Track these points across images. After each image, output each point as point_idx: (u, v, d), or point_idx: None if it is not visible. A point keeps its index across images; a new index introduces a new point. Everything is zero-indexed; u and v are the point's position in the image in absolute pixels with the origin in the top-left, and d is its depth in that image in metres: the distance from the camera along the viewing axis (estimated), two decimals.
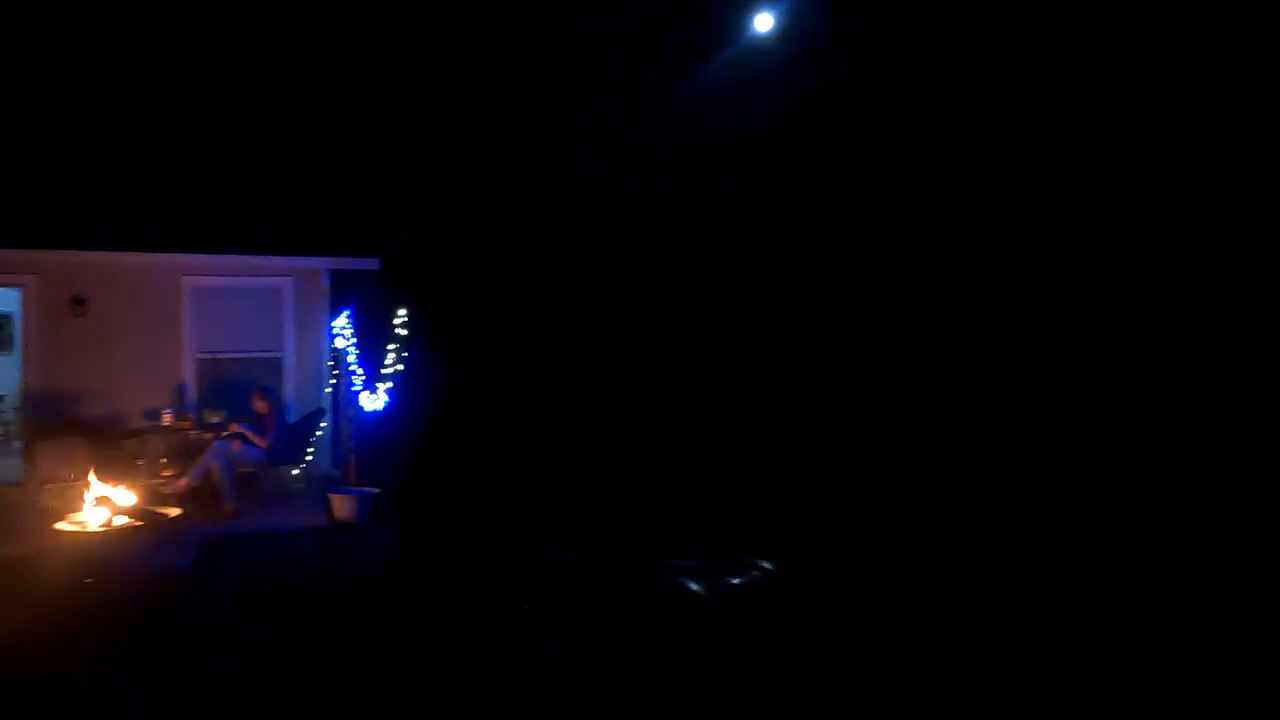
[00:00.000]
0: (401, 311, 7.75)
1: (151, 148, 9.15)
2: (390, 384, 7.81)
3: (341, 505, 7.36)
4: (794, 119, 6.60)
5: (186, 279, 8.89)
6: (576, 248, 8.12)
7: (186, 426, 8.34)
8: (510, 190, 8.72)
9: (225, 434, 7.88)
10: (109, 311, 8.61)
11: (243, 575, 5.89)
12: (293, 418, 8.85)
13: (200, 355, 8.99)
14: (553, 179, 8.37)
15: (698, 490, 6.76)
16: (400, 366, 7.77)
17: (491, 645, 4.53)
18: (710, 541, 5.98)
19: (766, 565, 5.17)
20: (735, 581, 4.92)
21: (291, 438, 8.33)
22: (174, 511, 6.77)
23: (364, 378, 8.14)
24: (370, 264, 9.24)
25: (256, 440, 7.86)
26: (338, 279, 9.30)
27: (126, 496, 6.57)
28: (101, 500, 6.42)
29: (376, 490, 7.55)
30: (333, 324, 9.02)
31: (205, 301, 9.02)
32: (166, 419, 8.27)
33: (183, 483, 7.53)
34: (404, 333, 7.77)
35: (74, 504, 6.82)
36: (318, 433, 8.71)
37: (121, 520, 6.27)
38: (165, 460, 8.16)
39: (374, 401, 7.95)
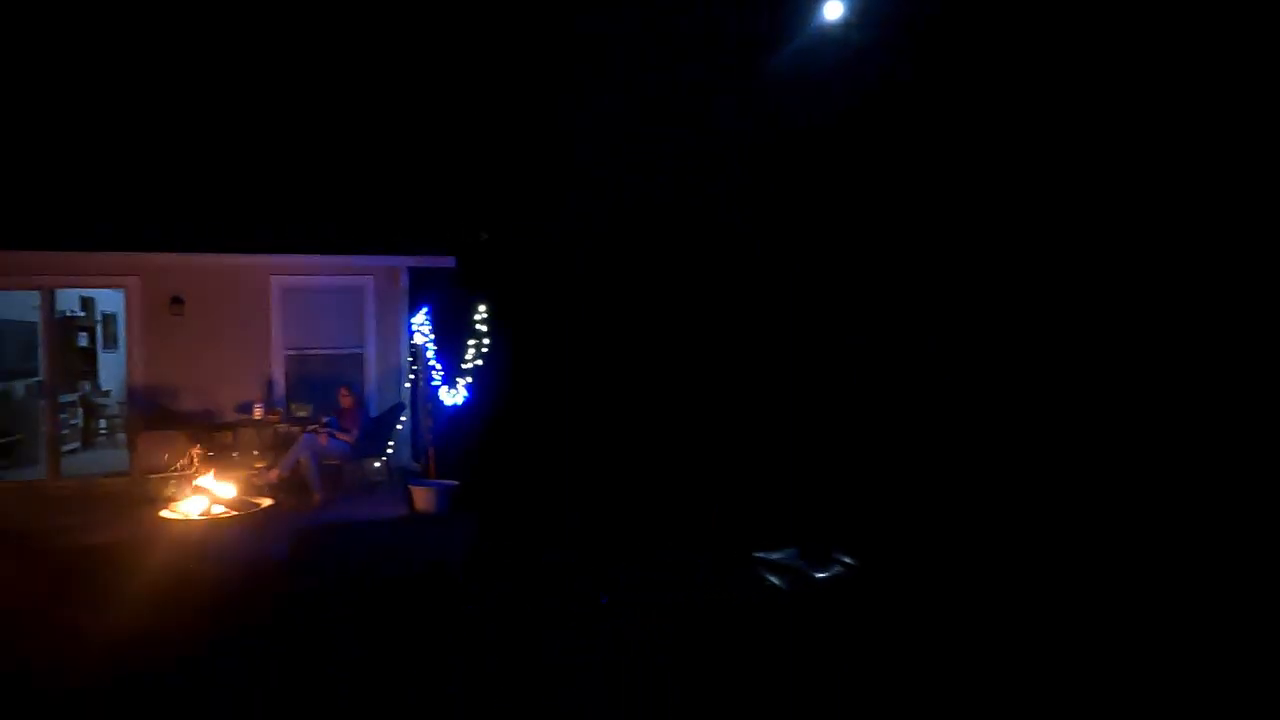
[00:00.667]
0: (481, 308, 7.90)
1: (245, 155, 9.60)
2: (469, 379, 7.98)
3: (422, 497, 7.56)
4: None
5: (275, 279, 9.26)
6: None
7: (276, 420, 8.69)
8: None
9: (312, 427, 8.18)
10: (204, 310, 9.04)
11: (336, 564, 6.11)
12: (374, 412, 9.14)
13: (288, 352, 9.35)
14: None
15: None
16: (479, 362, 7.93)
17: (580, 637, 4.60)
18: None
19: (849, 560, 5.11)
20: (821, 575, 4.88)
21: (374, 431, 8.60)
22: (266, 501, 7.06)
23: (443, 373, 8.33)
24: (446, 262, 9.46)
25: (342, 435, 8.14)
26: (416, 277, 9.56)
27: (224, 487, 6.91)
28: (201, 490, 6.77)
29: (455, 483, 7.73)
30: (411, 320, 9.28)
31: (292, 300, 9.38)
32: (258, 413, 8.63)
33: (274, 474, 7.85)
34: (483, 329, 7.92)
35: (176, 493, 7.21)
36: (398, 426, 8.96)
37: (219, 509, 6.59)
38: (257, 452, 8.52)
39: (453, 396, 8.14)
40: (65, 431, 9.72)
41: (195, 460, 6.97)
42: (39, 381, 9.60)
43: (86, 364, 11.23)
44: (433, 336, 8.64)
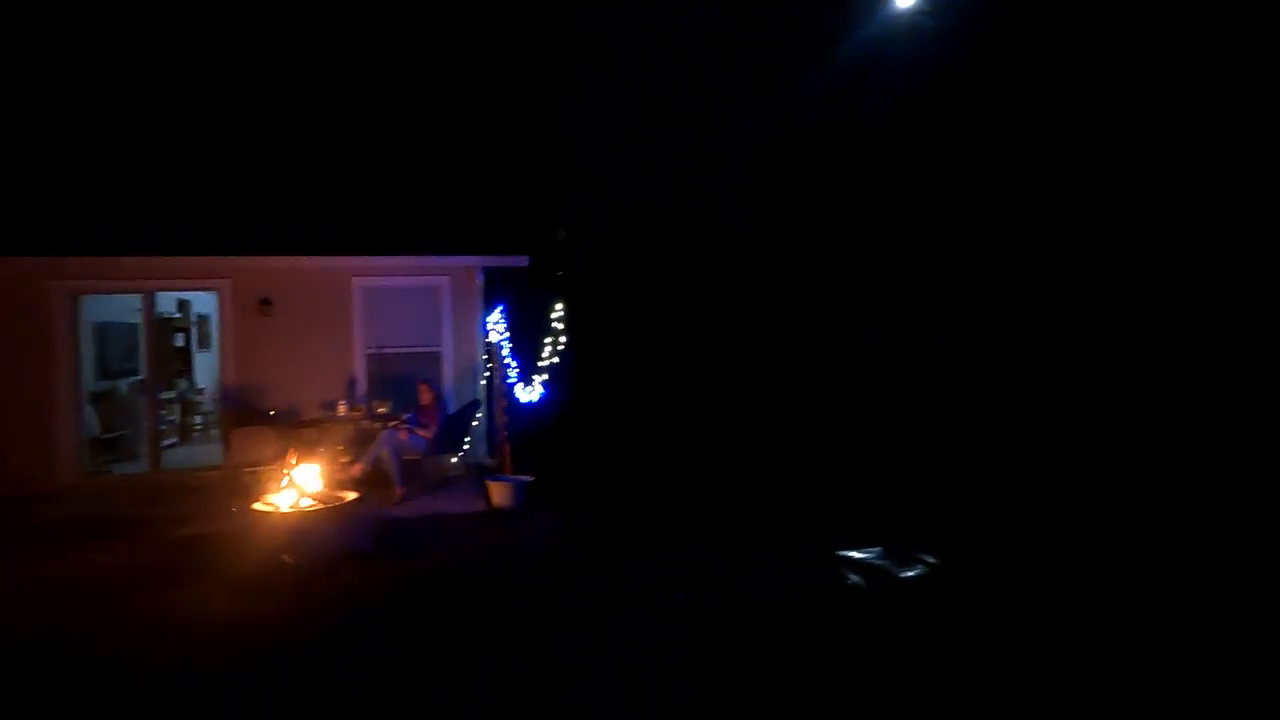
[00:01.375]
0: (558, 306, 8.01)
1: (330, 164, 9.96)
2: (546, 376, 8.08)
3: (499, 492, 7.69)
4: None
5: (356, 280, 9.56)
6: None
7: (358, 416, 8.96)
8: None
9: (392, 423, 8.41)
10: (291, 311, 9.40)
11: (421, 557, 6.27)
12: (451, 409, 9.34)
13: (368, 350, 9.65)
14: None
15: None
16: (556, 360, 8.03)
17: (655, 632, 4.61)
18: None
19: (931, 560, 4.99)
20: (904, 575, 4.80)
21: (452, 427, 8.79)
22: (350, 495, 7.28)
23: (518, 370, 8.46)
24: (520, 261, 9.61)
25: (421, 431, 8.35)
26: (490, 276, 9.74)
27: (311, 481, 7.15)
28: (290, 484, 7.02)
29: (531, 478, 7.84)
30: (486, 319, 9.46)
31: (373, 300, 9.67)
32: (341, 409, 8.92)
33: (357, 469, 8.09)
34: (559, 326, 8.02)
35: (267, 486, 7.50)
36: (474, 423, 9.14)
37: (307, 503, 6.83)
38: (341, 448, 8.80)
39: (529, 393, 8.25)
40: (164, 428, 10.25)
41: (290, 456, 7.23)
42: (140, 380, 10.14)
43: (183, 363, 11.82)
44: (507, 335, 8.79)
